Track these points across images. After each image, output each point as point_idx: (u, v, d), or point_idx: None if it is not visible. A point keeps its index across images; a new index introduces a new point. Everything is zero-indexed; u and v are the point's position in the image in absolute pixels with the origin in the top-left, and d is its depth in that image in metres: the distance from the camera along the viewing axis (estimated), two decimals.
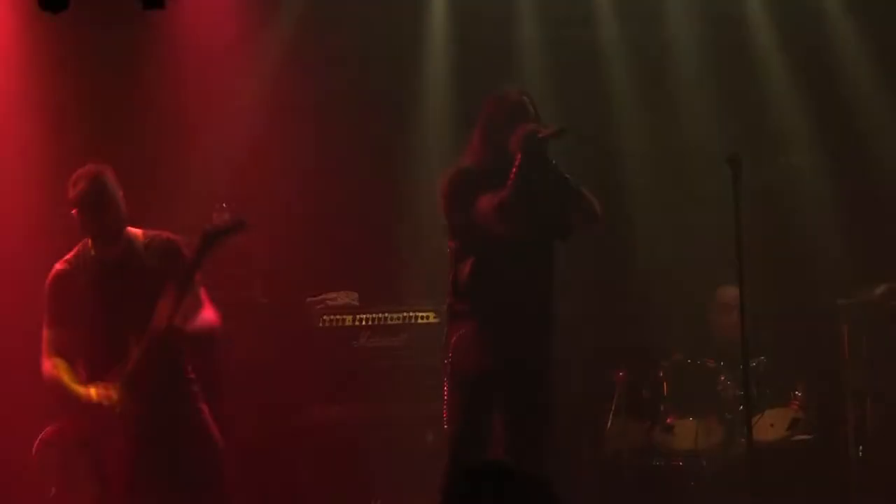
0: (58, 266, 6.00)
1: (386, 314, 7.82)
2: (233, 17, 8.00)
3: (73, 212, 5.87)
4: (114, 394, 5.79)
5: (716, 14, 8.42)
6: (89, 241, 5.99)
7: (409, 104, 8.38)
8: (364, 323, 7.79)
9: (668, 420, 7.59)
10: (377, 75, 8.32)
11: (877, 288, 7.87)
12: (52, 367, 5.89)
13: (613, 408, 7.54)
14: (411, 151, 8.31)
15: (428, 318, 7.67)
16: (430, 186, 6.75)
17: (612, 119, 8.49)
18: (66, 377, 5.86)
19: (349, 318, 7.81)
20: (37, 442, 5.79)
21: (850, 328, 7.87)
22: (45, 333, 5.93)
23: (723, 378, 7.63)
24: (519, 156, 5.92)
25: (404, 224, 8.15)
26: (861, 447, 7.79)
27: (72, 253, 6.02)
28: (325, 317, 7.80)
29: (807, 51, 8.40)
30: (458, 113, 7.70)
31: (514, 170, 5.90)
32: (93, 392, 5.80)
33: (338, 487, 7.32)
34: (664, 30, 8.49)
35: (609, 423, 7.56)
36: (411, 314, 7.77)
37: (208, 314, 6.06)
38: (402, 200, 8.18)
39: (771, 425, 7.64)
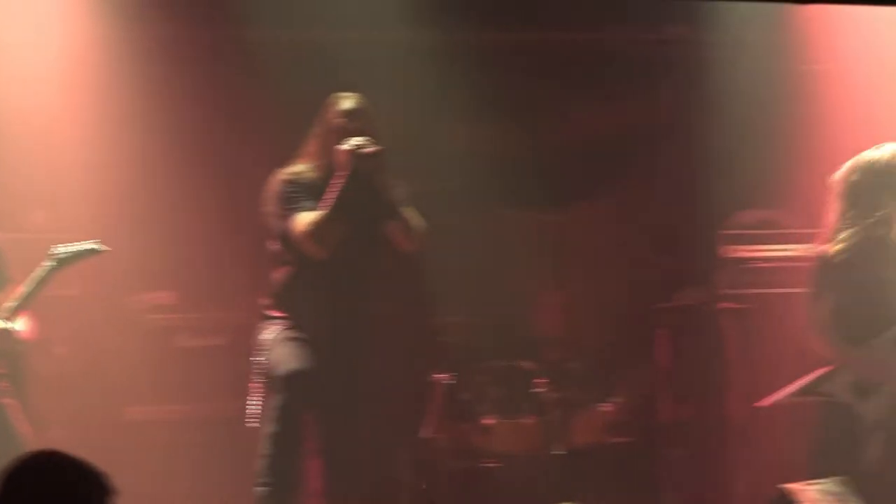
0: None
1: (207, 314, 8.06)
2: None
3: None
4: None
5: None
6: None
7: (240, 101, 8.41)
8: (185, 323, 7.98)
9: (487, 421, 7.71)
10: (204, 71, 8.35)
11: (691, 292, 8.35)
12: None
13: (432, 409, 7.67)
14: (240, 150, 8.37)
15: (248, 318, 7.89)
16: (257, 186, 6.92)
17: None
18: None
19: (170, 317, 8.02)
20: None
21: (668, 332, 8.23)
22: None
23: (541, 380, 7.77)
24: (341, 172, 6.30)
25: (228, 223, 8.20)
26: (676, 448, 8.15)
27: None
28: (144, 317, 7.96)
29: None
30: (294, 113, 7.68)
31: (334, 186, 6.19)
32: None
33: (156, 487, 7.37)
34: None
35: (428, 425, 7.67)
36: (233, 314, 7.95)
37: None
38: (226, 200, 8.23)
39: (588, 428, 7.86)
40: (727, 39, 8.44)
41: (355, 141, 6.29)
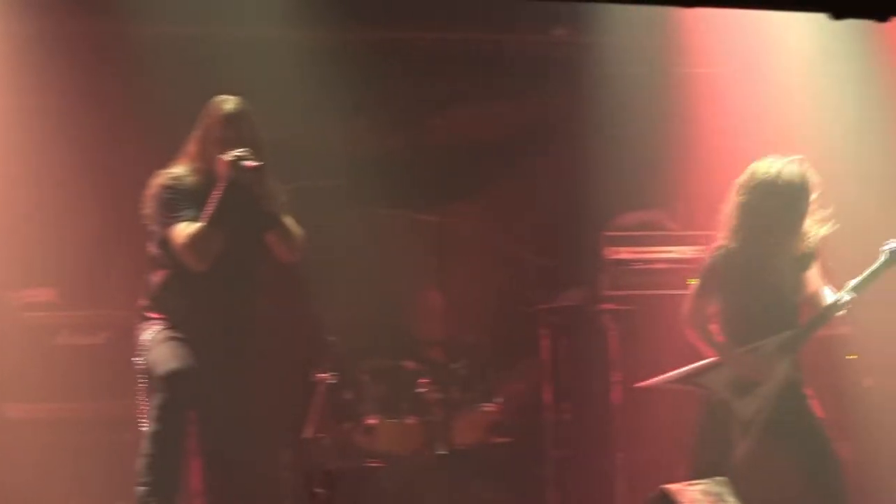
0: None
1: (87, 312, 7.99)
2: None
3: None
4: None
5: None
6: None
7: (123, 98, 8.37)
8: (65, 320, 7.90)
9: (369, 421, 7.76)
10: (87, 66, 8.30)
11: (573, 293, 8.45)
12: None
13: (314, 409, 7.62)
14: (123, 147, 8.35)
15: (129, 316, 7.83)
16: (140, 184, 6.84)
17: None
18: None
19: (49, 314, 7.94)
20: None
21: (550, 332, 8.28)
22: None
23: (424, 380, 7.82)
24: (221, 182, 6.20)
25: (110, 220, 8.20)
26: (558, 448, 8.21)
27: None
28: (24, 313, 7.87)
29: None
30: (177, 111, 7.52)
31: (214, 197, 6.15)
32: None
33: (35, 485, 7.39)
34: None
35: (310, 425, 7.61)
36: (114, 312, 7.89)
37: None
38: (108, 197, 8.21)
39: (470, 428, 7.89)
40: (611, 42, 8.52)
41: (237, 152, 6.31)
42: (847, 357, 8.17)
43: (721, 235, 6.75)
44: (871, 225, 7.03)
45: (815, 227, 6.65)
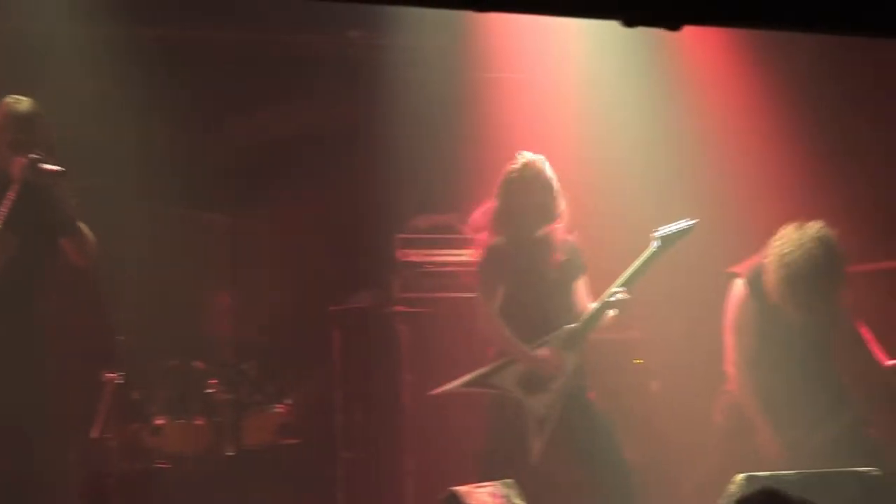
0: None
1: None
2: None
3: None
4: None
5: None
6: None
7: None
8: None
9: (157, 422, 7.68)
10: None
11: (365, 295, 8.56)
12: None
13: (102, 409, 7.44)
14: None
15: None
16: None
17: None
18: None
19: None
20: None
21: (342, 334, 8.40)
22: None
23: (213, 381, 7.79)
24: (15, 185, 6.17)
25: None
26: (349, 450, 8.35)
27: None
28: None
29: None
30: None
31: (7, 199, 6.13)
32: None
33: None
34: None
35: (97, 426, 7.42)
36: None
37: None
38: None
39: (260, 429, 7.88)
40: (407, 44, 8.65)
41: (32, 155, 6.26)
42: (634, 361, 8.43)
43: (489, 233, 6.93)
44: (650, 226, 7.09)
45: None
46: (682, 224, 6.82)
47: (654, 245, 6.78)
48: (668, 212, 7.26)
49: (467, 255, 7.71)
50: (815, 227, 6.72)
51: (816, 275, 6.65)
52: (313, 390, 8.47)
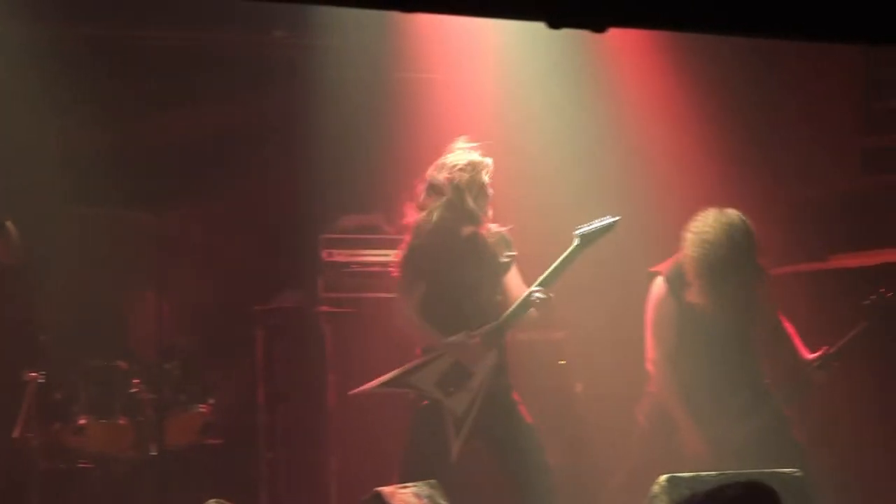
0: None
1: None
2: None
3: None
4: None
5: None
6: None
7: None
8: None
9: (80, 422, 7.66)
10: None
11: (290, 294, 8.64)
12: None
13: (24, 409, 7.51)
14: None
15: None
16: None
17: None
18: None
19: None
20: None
21: (266, 333, 8.43)
22: None
23: (136, 380, 7.78)
24: None
25: None
26: (272, 450, 8.38)
27: None
28: None
29: None
30: None
31: None
32: None
33: None
34: None
35: (18, 425, 7.51)
36: None
37: None
38: None
39: (183, 429, 7.85)
40: (332, 44, 8.61)
41: None
42: (559, 362, 8.47)
43: (417, 222, 6.94)
44: (573, 221, 7.10)
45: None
46: (604, 221, 6.81)
47: (575, 243, 6.77)
48: (591, 207, 7.28)
49: (393, 256, 7.60)
50: (734, 212, 6.80)
51: (736, 254, 6.71)
52: (236, 390, 8.48)
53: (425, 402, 6.82)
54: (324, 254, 8.42)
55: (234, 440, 8.17)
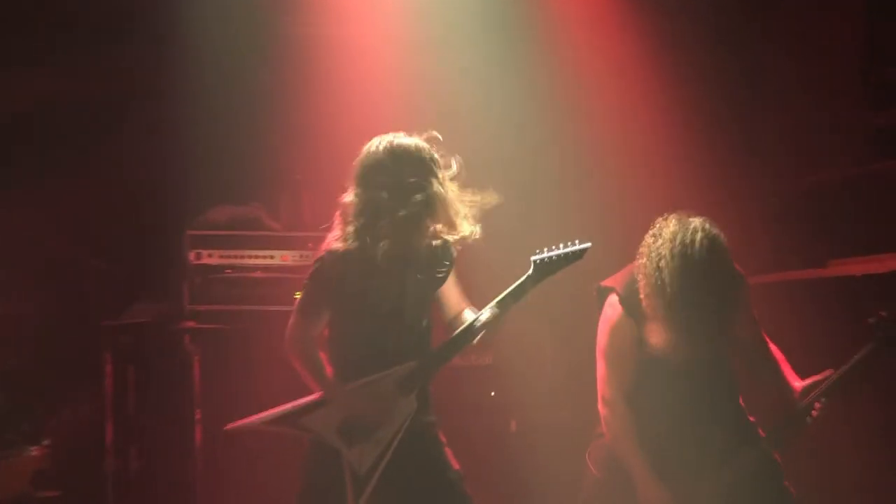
0: None
1: None
2: None
3: None
4: None
5: None
6: None
7: None
8: None
9: None
10: None
11: (146, 307, 8.01)
12: None
13: None
14: None
15: None
16: None
17: None
18: None
19: None
20: None
21: (116, 356, 7.84)
22: None
23: None
24: None
25: None
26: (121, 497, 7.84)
27: None
28: None
29: None
30: None
31: None
32: None
33: None
34: None
35: None
36: None
37: None
38: None
39: (10, 477, 7.56)
40: None
41: None
42: (491, 394, 8.15)
43: (334, 236, 6.06)
44: (516, 231, 6.87)
45: (446, 232, 6.12)
46: (569, 248, 6.12)
47: (528, 273, 6.08)
48: (535, 208, 7.47)
49: (278, 257, 7.48)
50: (698, 221, 6.15)
51: (700, 274, 6.06)
52: (78, 429, 8.01)
53: (323, 448, 6.01)
54: (190, 255, 7.87)
55: (74, 493, 7.74)
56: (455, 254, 6.23)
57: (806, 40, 8.58)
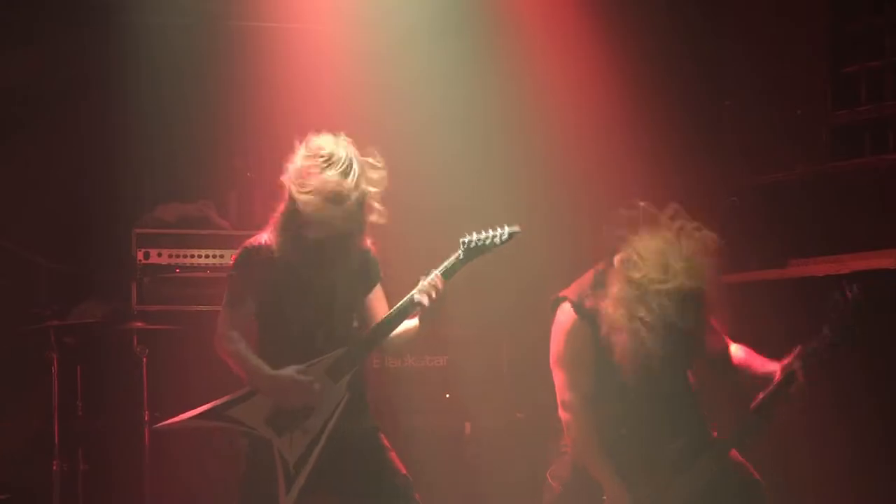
0: None
1: None
2: None
3: None
4: None
5: None
6: None
7: None
8: None
9: None
10: None
11: (92, 306, 7.97)
12: None
13: None
14: None
15: None
16: None
17: None
18: None
19: None
20: None
21: (61, 357, 7.67)
22: None
23: None
24: None
25: None
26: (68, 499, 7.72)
27: None
28: None
29: None
30: None
31: None
32: None
33: None
34: None
35: None
36: None
37: None
38: None
39: None
40: None
41: None
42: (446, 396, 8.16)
43: (267, 231, 6.17)
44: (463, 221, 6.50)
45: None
46: (498, 232, 6.18)
47: (457, 254, 6.14)
48: (486, 209, 7.20)
49: (228, 256, 7.48)
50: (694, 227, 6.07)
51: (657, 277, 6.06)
52: (22, 432, 7.89)
53: (255, 441, 6.05)
54: (138, 254, 7.94)
55: (21, 495, 7.62)
56: (379, 268, 6.21)
57: (765, 38, 8.57)
